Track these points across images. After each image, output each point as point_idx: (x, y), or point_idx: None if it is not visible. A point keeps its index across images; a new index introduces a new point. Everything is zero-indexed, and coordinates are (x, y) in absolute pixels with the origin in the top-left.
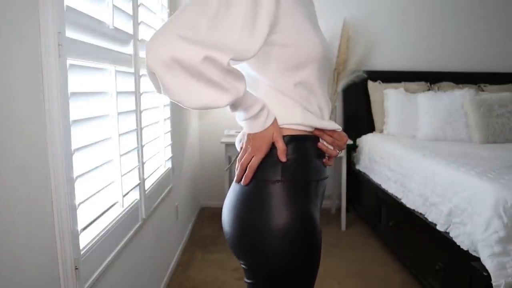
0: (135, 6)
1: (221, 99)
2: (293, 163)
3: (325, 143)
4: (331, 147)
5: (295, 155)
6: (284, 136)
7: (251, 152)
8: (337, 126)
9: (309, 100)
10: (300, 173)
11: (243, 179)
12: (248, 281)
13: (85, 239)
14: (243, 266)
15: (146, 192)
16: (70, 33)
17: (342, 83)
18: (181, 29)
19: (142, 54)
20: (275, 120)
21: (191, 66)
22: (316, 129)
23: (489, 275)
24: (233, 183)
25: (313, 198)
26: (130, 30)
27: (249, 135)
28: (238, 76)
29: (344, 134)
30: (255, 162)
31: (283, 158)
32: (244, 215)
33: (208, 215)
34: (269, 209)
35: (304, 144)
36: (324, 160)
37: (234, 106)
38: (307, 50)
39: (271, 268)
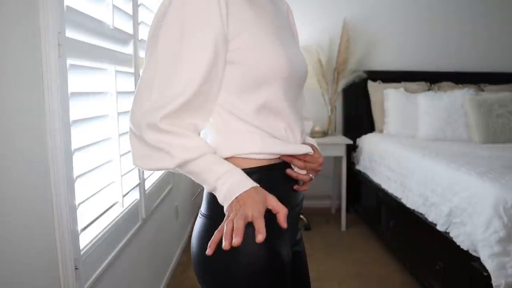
0: (135, 6)
1: (164, 162)
2: None
3: (296, 168)
4: (303, 172)
5: None
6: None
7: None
8: (307, 150)
9: (274, 125)
10: None
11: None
12: None
13: (85, 239)
14: None
15: (146, 192)
16: (70, 33)
17: (342, 83)
18: (134, 106)
19: (142, 54)
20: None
21: (141, 137)
22: (284, 155)
23: (489, 275)
24: (199, 214)
25: (280, 232)
26: (130, 30)
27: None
28: (182, 136)
29: (318, 155)
30: (259, 222)
31: (284, 224)
32: (207, 256)
33: None
34: (231, 250)
35: (266, 175)
36: (295, 187)
37: (195, 173)
38: (265, 68)
39: None
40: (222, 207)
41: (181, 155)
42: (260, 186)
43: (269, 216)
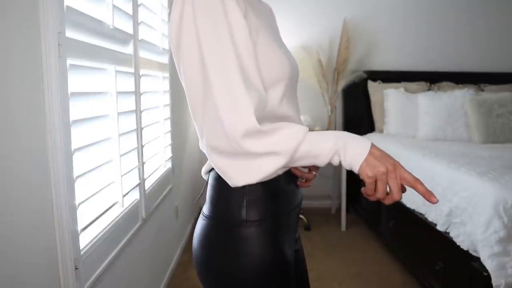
0: (135, 6)
1: (273, 163)
2: (261, 199)
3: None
4: (306, 170)
5: (261, 190)
6: None
7: (389, 172)
8: None
9: None
10: (268, 210)
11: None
12: None
13: (85, 239)
14: None
15: (146, 192)
16: (70, 33)
17: (342, 83)
18: (209, 123)
19: (142, 54)
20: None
21: (235, 151)
22: None
23: (489, 275)
24: (201, 215)
25: (285, 232)
26: (130, 30)
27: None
28: (280, 128)
29: None
30: (409, 176)
31: (434, 200)
32: (209, 257)
33: None
34: (235, 251)
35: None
36: (298, 182)
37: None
38: (274, 72)
39: None
40: (225, 208)
41: (289, 146)
42: (265, 186)
43: (274, 216)
